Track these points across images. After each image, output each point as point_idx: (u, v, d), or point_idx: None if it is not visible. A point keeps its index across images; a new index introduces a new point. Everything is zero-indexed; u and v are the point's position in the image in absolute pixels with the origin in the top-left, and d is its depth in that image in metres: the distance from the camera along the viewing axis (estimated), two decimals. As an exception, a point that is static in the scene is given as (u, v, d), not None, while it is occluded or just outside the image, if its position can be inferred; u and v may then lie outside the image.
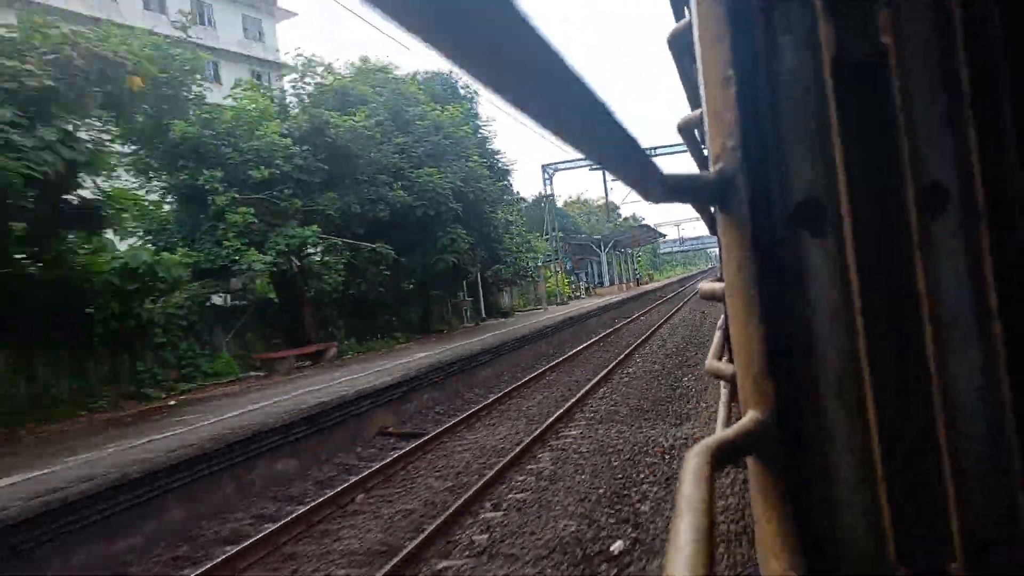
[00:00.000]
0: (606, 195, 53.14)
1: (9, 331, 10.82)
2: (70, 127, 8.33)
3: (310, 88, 19.00)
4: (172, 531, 6.80)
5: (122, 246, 12.74)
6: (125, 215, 10.45)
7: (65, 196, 8.82)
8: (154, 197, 15.24)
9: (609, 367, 14.75)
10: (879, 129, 0.52)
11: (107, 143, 9.26)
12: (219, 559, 5.92)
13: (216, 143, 14.79)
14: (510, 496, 7.01)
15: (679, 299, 38.88)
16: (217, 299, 16.23)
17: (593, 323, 26.57)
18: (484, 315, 27.29)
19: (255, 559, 6.10)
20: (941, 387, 0.52)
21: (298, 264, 15.18)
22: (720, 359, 1.39)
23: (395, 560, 5.51)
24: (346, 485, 7.83)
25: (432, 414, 12.00)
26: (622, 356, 16.39)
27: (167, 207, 15.76)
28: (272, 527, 6.64)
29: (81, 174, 8.86)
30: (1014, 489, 0.51)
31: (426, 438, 9.74)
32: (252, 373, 15.06)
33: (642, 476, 7.26)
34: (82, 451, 7.75)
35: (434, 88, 23.86)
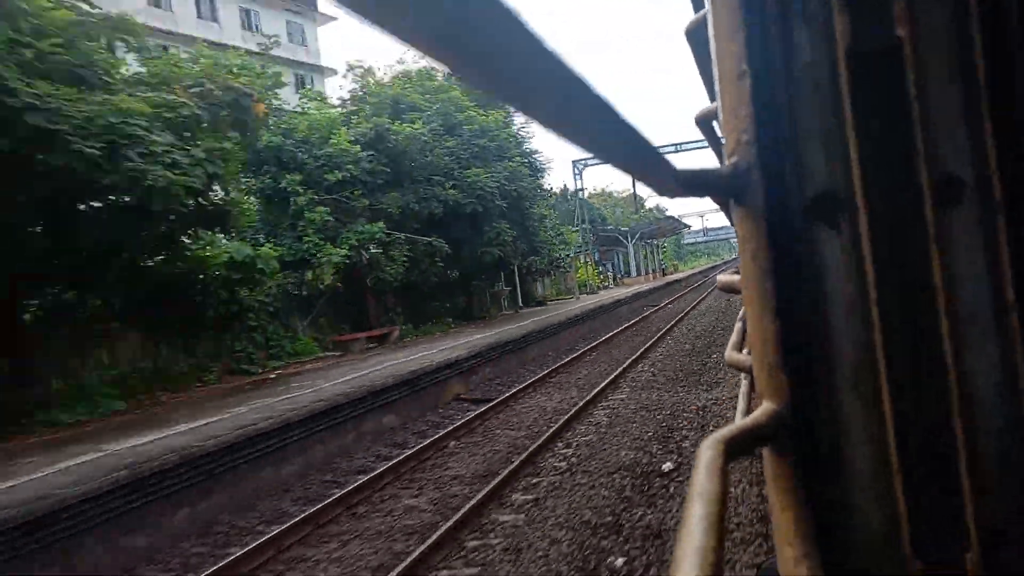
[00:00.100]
0: (633, 188, 54.64)
1: (140, 315, 12.91)
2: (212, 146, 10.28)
3: (373, 100, 20.79)
4: (317, 464, 8.75)
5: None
6: (241, 216, 12.40)
7: (202, 202, 10.78)
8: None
9: (645, 347, 16.51)
10: (894, 121, 0.52)
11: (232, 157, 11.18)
12: (360, 481, 7.82)
13: (295, 150, 16.77)
14: (577, 439, 8.84)
15: (704, 288, 40.33)
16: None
17: (624, 310, 28.27)
18: (521, 304, 29.14)
19: (385, 483, 7.99)
20: (957, 379, 0.51)
21: (367, 257, 17.11)
22: (740, 351, 1.38)
23: (499, 478, 7.36)
24: (440, 435, 9.71)
25: (494, 385, 13.88)
26: (655, 338, 18.12)
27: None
28: (390, 463, 8.54)
29: (215, 185, 10.81)
30: None
31: (495, 402, 11.61)
32: (328, 353, 17.06)
33: (681, 425, 9.04)
34: (234, 407, 9.73)
35: (476, 91, 25.70)
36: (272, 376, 13.85)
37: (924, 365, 0.52)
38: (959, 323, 0.52)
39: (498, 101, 0.51)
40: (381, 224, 17.21)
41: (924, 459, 0.52)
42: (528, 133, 25.67)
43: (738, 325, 1.56)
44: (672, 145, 37.74)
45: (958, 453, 0.52)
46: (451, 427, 10.18)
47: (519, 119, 27.45)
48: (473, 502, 6.63)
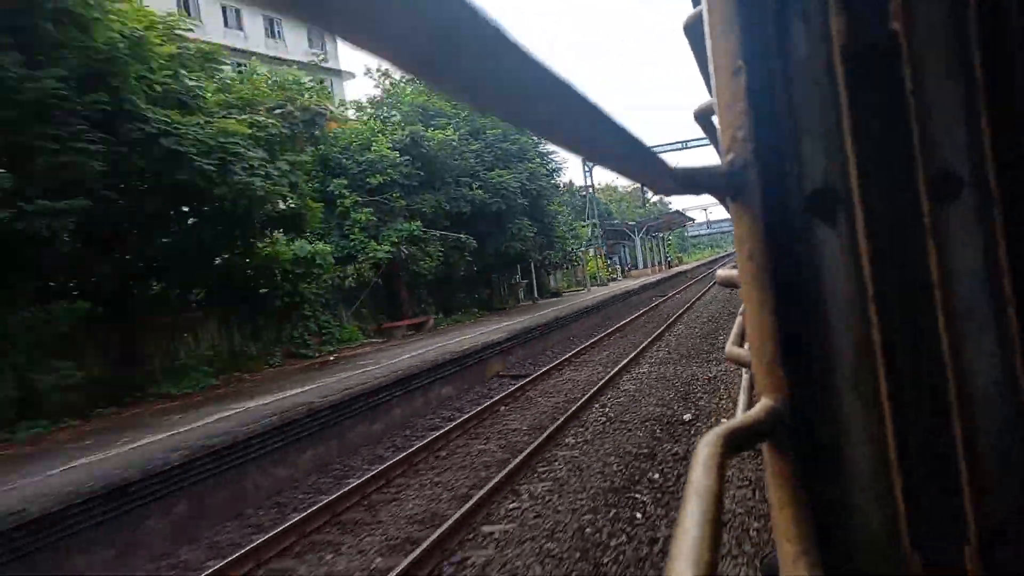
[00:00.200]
0: (641, 185, 56.26)
1: (216, 306, 14.74)
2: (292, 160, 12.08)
3: (405, 108, 22.55)
4: (397, 423, 10.59)
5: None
6: (312, 219, 14.19)
7: (282, 207, 12.58)
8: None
9: (658, 331, 18.31)
10: (891, 117, 0.51)
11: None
12: (435, 435, 9.61)
13: (340, 157, 18.57)
14: (610, 402, 10.65)
15: (709, 279, 42.05)
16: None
17: (635, 300, 30.06)
18: (537, 295, 30.95)
19: (455, 436, 9.79)
20: (955, 375, 0.51)
21: (405, 253, 18.91)
22: (741, 345, 1.37)
23: (552, 428, 9.15)
24: (490, 402, 11.51)
25: (527, 364, 15.70)
26: (666, 324, 19.92)
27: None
28: (456, 421, 10.34)
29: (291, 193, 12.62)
30: None
31: (532, 377, 13.42)
32: (371, 340, 18.89)
33: (696, 389, 10.84)
34: (318, 380, 11.55)
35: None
36: (331, 358, 15.68)
37: (922, 360, 0.52)
38: (957, 318, 0.51)
39: (488, 114, 0.60)
40: (418, 223, 19.01)
41: (923, 455, 0.51)
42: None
43: (739, 319, 1.49)
44: (679, 142, 39.40)
45: (957, 449, 0.51)
46: (499, 396, 11.99)
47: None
48: (535, 444, 8.43)
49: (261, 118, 11.44)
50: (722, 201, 0.63)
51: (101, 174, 8.91)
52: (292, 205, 12.94)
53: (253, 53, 28.03)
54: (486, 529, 6.12)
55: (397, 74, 28.87)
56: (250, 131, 11.08)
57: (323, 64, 17.81)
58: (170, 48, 11.37)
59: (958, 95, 0.51)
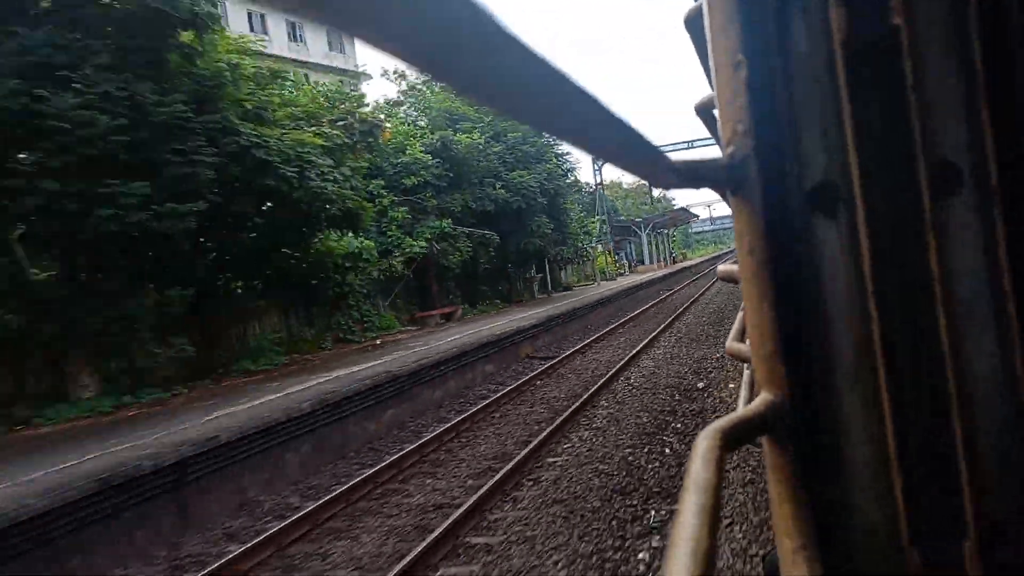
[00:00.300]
0: (642, 178, 57.89)
1: (276, 295, 16.53)
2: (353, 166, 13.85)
3: (434, 114, 24.32)
4: (452, 393, 12.39)
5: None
6: (366, 218, 15.98)
7: (343, 208, 14.37)
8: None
9: (668, 320, 20.08)
10: (892, 111, 0.52)
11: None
12: (487, 401, 11.37)
13: (377, 159, 20.33)
14: (633, 375, 12.42)
15: (713, 275, 43.74)
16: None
17: (643, 294, 31.82)
18: (550, 289, 32.73)
19: (504, 402, 11.56)
20: (954, 370, 0.51)
21: (437, 248, 20.68)
22: (743, 340, 1.38)
23: (587, 395, 10.91)
24: (527, 377, 13.29)
25: (553, 348, 17.49)
26: (675, 314, 21.68)
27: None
28: (503, 392, 12.10)
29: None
30: None
31: (559, 358, 15.19)
32: (406, 327, 20.67)
33: (708, 365, 12.60)
34: (381, 358, 13.33)
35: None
36: (377, 343, 17.46)
37: (922, 357, 0.52)
38: (956, 313, 0.51)
39: (489, 108, 0.36)
40: (448, 220, 20.78)
41: (923, 453, 0.51)
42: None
43: (740, 315, 1.46)
44: (685, 142, 41.09)
45: (956, 445, 0.51)
46: (533, 373, 13.76)
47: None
48: (575, 406, 10.19)
49: (328, 130, 13.20)
50: (723, 195, 0.63)
51: (211, 182, 10.69)
52: (350, 205, 14.70)
53: (276, 56, 29.87)
54: (550, 460, 7.90)
55: (413, 75, 30.72)
56: (320, 142, 12.85)
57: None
58: (247, 66, 13.16)
59: (959, 91, 0.51)
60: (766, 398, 0.54)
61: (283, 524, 6.67)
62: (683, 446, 7.87)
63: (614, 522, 5.95)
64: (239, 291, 15.08)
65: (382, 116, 14.88)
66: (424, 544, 5.72)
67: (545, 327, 18.72)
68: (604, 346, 17.00)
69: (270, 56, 16.87)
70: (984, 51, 0.50)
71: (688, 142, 41.30)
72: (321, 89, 16.63)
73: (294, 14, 0.23)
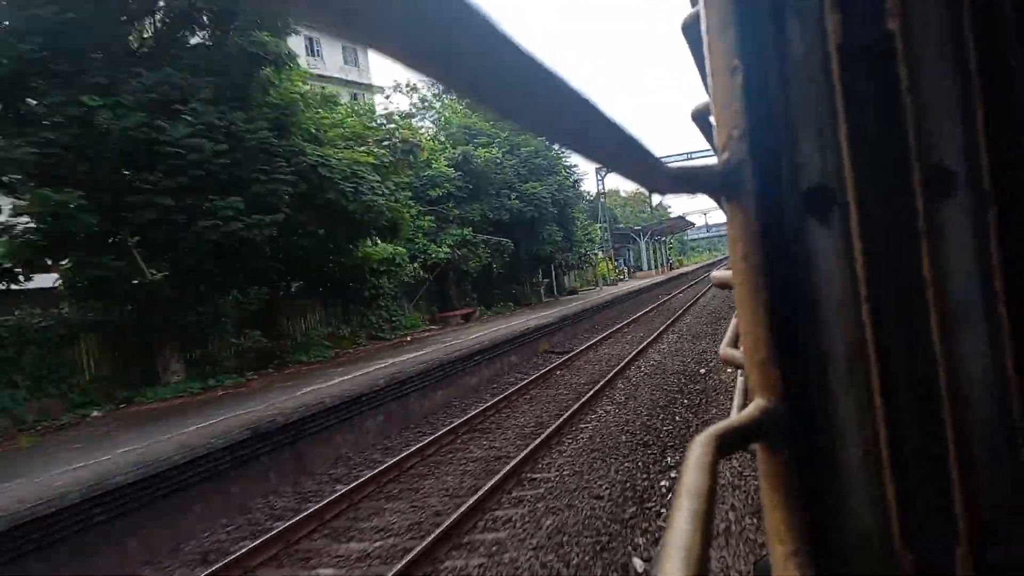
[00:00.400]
0: (635, 182, 59.95)
1: (317, 296, 18.37)
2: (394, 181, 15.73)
3: (453, 129, 26.25)
4: (487, 379, 14.25)
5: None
6: (405, 226, 17.85)
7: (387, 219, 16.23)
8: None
9: (670, 320, 21.97)
10: (887, 115, 0.52)
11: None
12: (518, 386, 13.20)
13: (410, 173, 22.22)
14: (643, 365, 14.29)
15: (708, 279, 45.65)
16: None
17: (644, 297, 33.74)
18: (556, 293, 34.64)
19: (534, 387, 13.40)
20: (947, 374, 0.51)
21: (458, 254, 22.55)
22: (736, 346, 1.35)
23: (601, 383, 12.76)
24: (549, 367, 15.14)
25: (567, 344, 19.36)
26: (676, 315, 23.57)
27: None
28: (529, 379, 13.94)
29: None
30: (1021, 476, 0.51)
31: (575, 352, 17.05)
32: (430, 327, 22.51)
33: (709, 356, 14.48)
34: (421, 349, 15.16)
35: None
36: (408, 340, 19.30)
37: (916, 359, 0.52)
38: (950, 317, 0.51)
39: (484, 109, 0.35)
40: (469, 228, 22.67)
41: (916, 456, 0.52)
42: (567, 151, 31.17)
43: (734, 321, 1.44)
44: (684, 154, 43.10)
45: (949, 449, 0.51)
46: (553, 364, 15.62)
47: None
48: (595, 388, 12.04)
49: (376, 149, 15.09)
50: (718, 202, 0.63)
51: (287, 196, 12.55)
52: (394, 216, 16.58)
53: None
54: (582, 425, 9.76)
55: (424, 88, 32.67)
56: (371, 160, 14.73)
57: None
58: (316, 96, 15.05)
59: (954, 94, 0.51)
60: (760, 404, 0.54)
61: (374, 472, 8.51)
62: (691, 415, 9.74)
63: (640, 463, 7.81)
64: (293, 291, 16.91)
65: (418, 138, 16.73)
66: (496, 478, 7.57)
67: (558, 326, 20.59)
68: (614, 342, 18.88)
69: (322, 78, 18.79)
70: (979, 55, 0.50)
71: (687, 154, 43.31)
72: (366, 111, 18.53)
73: (294, 13, 0.25)
